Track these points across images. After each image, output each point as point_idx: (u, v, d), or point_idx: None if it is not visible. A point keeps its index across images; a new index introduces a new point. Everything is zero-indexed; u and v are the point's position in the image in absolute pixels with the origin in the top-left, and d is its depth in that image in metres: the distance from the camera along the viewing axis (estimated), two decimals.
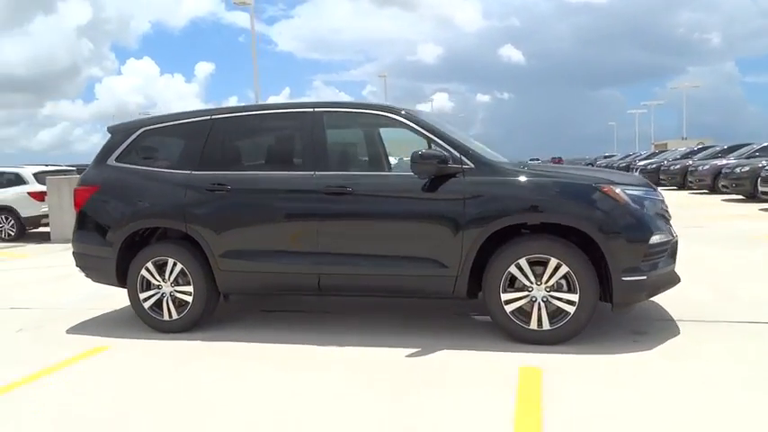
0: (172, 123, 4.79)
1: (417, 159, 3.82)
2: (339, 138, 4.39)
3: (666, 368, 3.38)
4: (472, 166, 3.96)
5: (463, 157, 3.98)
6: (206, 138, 4.56)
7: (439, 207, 3.95)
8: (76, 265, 4.91)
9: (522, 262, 3.81)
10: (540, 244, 3.83)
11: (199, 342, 4.29)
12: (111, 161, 4.80)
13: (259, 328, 4.56)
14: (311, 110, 4.38)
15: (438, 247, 3.94)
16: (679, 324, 4.20)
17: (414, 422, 2.84)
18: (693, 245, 6.97)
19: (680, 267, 4.08)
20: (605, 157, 45.83)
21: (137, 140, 4.80)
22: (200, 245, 4.40)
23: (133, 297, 4.61)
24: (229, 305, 5.07)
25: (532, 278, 3.81)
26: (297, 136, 4.40)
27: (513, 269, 3.83)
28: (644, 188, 4.02)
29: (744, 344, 3.77)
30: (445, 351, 3.82)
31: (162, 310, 4.54)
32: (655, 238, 3.77)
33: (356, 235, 4.17)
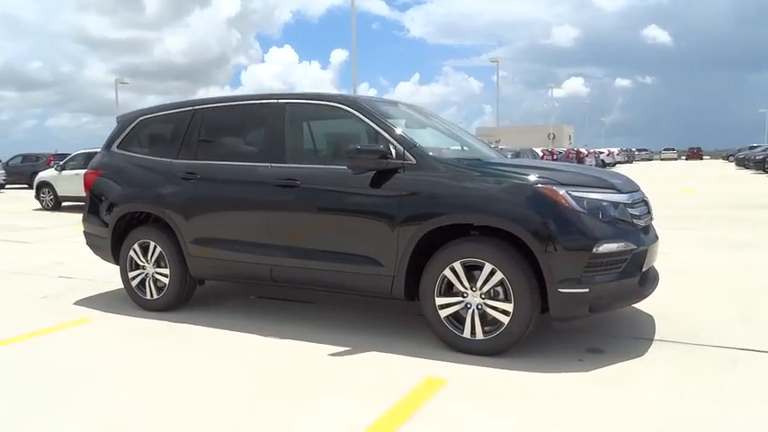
0: (163, 113, 5.04)
1: (352, 154, 3.72)
2: (297, 129, 4.36)
3: (583, 396, 3.02)
4: (414, 161, 3.77)
5: (406, 153, 3.80)
6: (187, 127, 4.76)
7: (377, 203, 3.82)
8: (86, 243, 5.37)
9: (457, 265, 3.58)
10: (474, 247, 3.57)
11: (165, 322, 4.52)
12: (114, 148, 5.17)
13: (234, 314, 4.69)
14: (275, 101, 4.41)
15: (375, 245, 3.82)
16: (652, 344, 3.74)
17: (251, 423, 2.80)
18: None
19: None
20: (750, 149, 41.09)
21: (135, 129, 5.13)
22: (174, 231, 4.63)
23: (123, 275, 4.97)
24: (235, 288, 5.30)
25: (467, 283, 3.58)
26: (261, 127, 4.45)
27: (447, 272, 3.61)
28: (600, 190, 3.58)
29: (707, 374, 3.28)
30: (367, 353, 3.71)
31: (145, 290, 4.85)
32: (604, 247, 3.37)
33: (302, 228, 4.15)
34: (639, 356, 3.54)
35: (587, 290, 3.34)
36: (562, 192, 3.41)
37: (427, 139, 4.50)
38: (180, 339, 4.13)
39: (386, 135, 3.90)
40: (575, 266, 3.33)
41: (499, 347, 3.53)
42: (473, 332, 3.58)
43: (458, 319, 3.63)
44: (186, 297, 4.83)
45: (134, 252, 4.88)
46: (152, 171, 4.82)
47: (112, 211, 4.96)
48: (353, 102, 4.13)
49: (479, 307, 3.55)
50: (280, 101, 4.39)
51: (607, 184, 3.64)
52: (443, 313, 3.65)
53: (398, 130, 3.93)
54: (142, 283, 4.87)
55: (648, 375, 3.26)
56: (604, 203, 3.50)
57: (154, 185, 4.77)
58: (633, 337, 3.90)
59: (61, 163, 15.59)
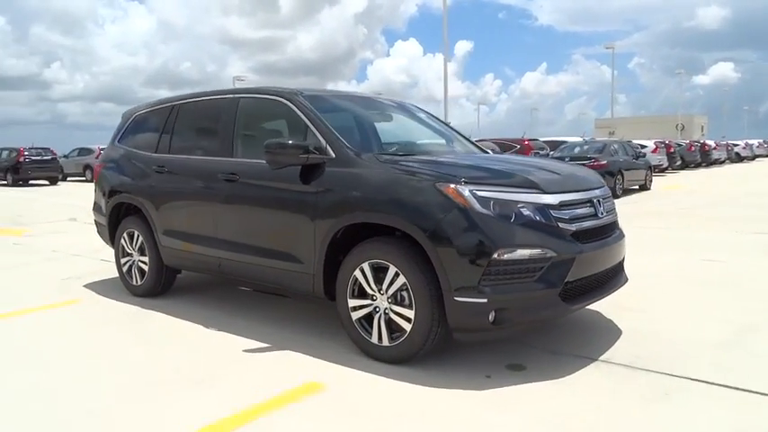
0: (152, 109, 5.28)
1: (268, 148, 3.64)
2: (244, 124, 4.34)
3: (453, 418, 2.73)
4: (333, 156, 3.62)
5: (328, 147, 3.66)
6: (165, 123, 4.96)
7: (299, 200, 3.71)
8: (97, 231, 5.79)
9: (366, 266, 3.39)
10: (379, 248, 3.35)
11: (139, 308, 4.75)
12: (115, 142, 5.52)
13: (208, 304, 4.81)
14: (231, 96, 4.45)
15: (296, 242, 3.73)
16: (588, 366, 3.30)
17: (113, 409, 2.84)
18: None
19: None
20: None
21: (131, 124, 5.43)
22: (148, 222, 4.86)
23: (117, 261, 5.31)
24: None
25: (374, 286, 3.38)
26: (218, 122, 4.50)
27: (358, 273, 3.43)
28: (517, 189, 3.19)
29: (619, 406, 2.82)
30: (276, 352, 3.64)
31: (132, 276, 5.14)
32: (510, 253, 3.01)
33: (241, 223, 4.15)
34: (558, 378, 3.14)
35: (485, 300, 3.01)
36: (465, 191, 3.09)
37: (388, 135, 4.32)
38: (133, 324, 4.32)
39: (313, 129, 3.78)
40: (471, 274, 3.01)
41: (402, 356, 3.30)
42: (380, 338, 3.38)
43: (369, 322, 3.45)
44: (165, 284, 5.04)
45: (124, 240, 5.18)
46: (137, 165, 5.07)
47: (108, 202, 5.30)
48: (290, 95, 4.04)
49: (386, 312, 3.34)
50: (235, 96, 4.42)
51: (527, 184, 3.24)
52: (355, 315, 3.48)
53: (326, 125, 3.78)
54: (130, 269, 5.16)
55: (548, 402, 2.87)
56: (519, 205, 3.12)
57: (137, 178, 5.02)
58: (574, 355, 3.47)
59: None
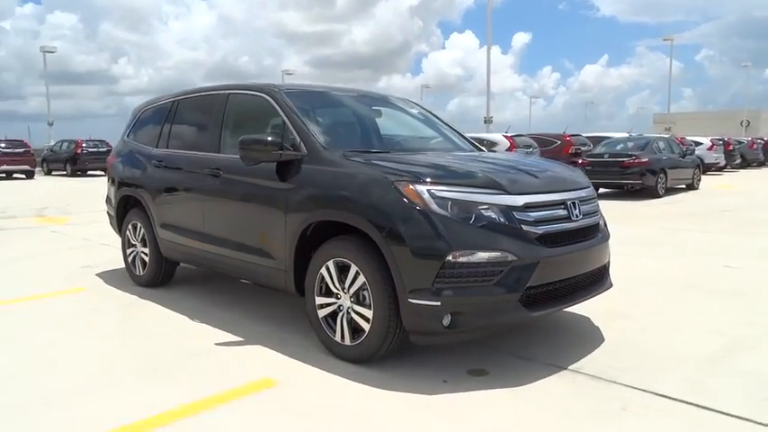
0: (156, 105, 5.40)
1: (242, 144, 3.66)
2: (231, 120, 4.38)
3: (394, 424, 2.69)
4: (305, 153, 3.61)
5: (302, 144, 3.65)
6: (165, 118, 5.07)
7: (272, 196, 3.72)
8: (109, 222, 6.00)
9: (331, 264, 3.37)
10: (342, 246, 3.33)
11: (135, 297, 4.90)
12: (125, 137, 5.69)
13: (200, 296, 4.92)
14: (222, 92, 4.51)
15: (271, 238, 3.75)
16: (554, 375, 3.17)
17: (56, 399, 2.91)
18: None
19: None
20: None
21: (138, 119, 5.59)
22: (148, 215, 4.99)
23: (123, 252, 5.49)
24: None
25: (338, 284, 3.36)
26: (208, 118, 4.56)
27: (323, 271, 3.42)
28: (479, 189, 3.09)
29: (568, 420, 2.70)
30: (245, 346, 3.67)
31: (136, 266, 5.31)
32: (465, 256, 2.93)
33: (223, 218, 4.21)
34: (517, 386, 3.03)
35: (439, 303, 2.93)
36: (423, 190, 3.02)
37: (372, 132, 4.28)
38: (123, 314, 4.45)
39: (289, 125, 3.78)
40: (425, 275, 2.94)
41: (362, 356, 3.27)
42: (343, 337, 3.36)
43: (334, 321, 3.43)
44: (165, 275, 5.17)
45: (129, 231, 5.35)
46: (140, 159, 5.21)
47: (116, 194, 5.49)
48: (271, 91, 4.05)
49: (348, 311, 3.32)
50: (224, 92, 4.48)
51: (490, 184, 3.13)
52: (321, 313, 3.47)
53: (301, 122, 3.77)
54: (134, 259, 5.33)
55: (497, 411, 2.78)
56: (480, 206, 3.03)
57: (139, 172, 5.16)
58: (544, 363, 3.34)
59: None
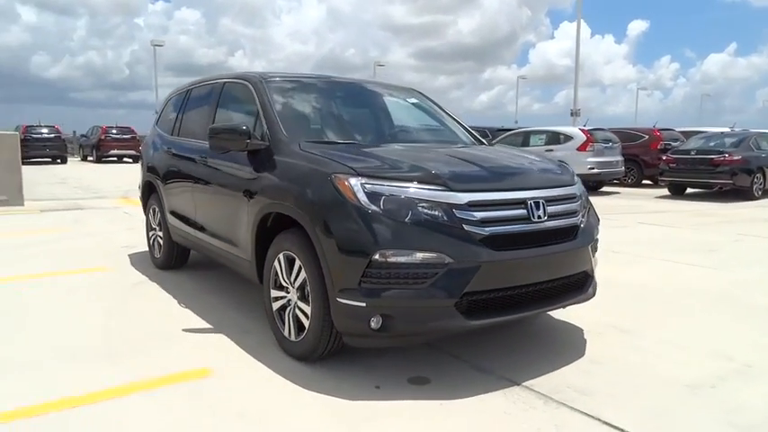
0: (177, 94, 5.56)
1: (211, 133, 3.65)
2: (223, 108, 4.37)
3: (295, 426, 2.57)
4: (267, 144, 3.54)
5: (268, 133, 3.59)
6: (180, 106, 5.21)
7: (240, 185, 3.69)
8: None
9: (282, 257, 3.29)
10: (289, 239, 3.22)
11: (144, 278, 5.10)
12: (154, 125, 5.93)
13: (201, 281, 5.05)
14: (219, 81, 4.55)
15: (238, 226, 3.73)
16: (497, 391, 2.90)
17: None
18: None
19: None
20: None
21: (164, 108, 5.79)
22: (161, 199, 5.18)
23: (146, 235, 5.75)
24: None
25: (287, 278, 3.27)
26: (206, 106, 4.62)
27: (276, 264, 3.35)
28: (418, 185, 2.86)
29: None
30: (211, 334, 3.68)
31: (154, 249, 5.54)
32: (394, 256, 2.73)
33: (206, 205, 4.26)
34: (450, 399, 2.79)
35: (364, 304, 2.76)
36: (355, 183, 2.85)
37: (354, 123, 4.14)
38: (122, 294, 4.61)
39: (261, 115, 3.74)
40: (352, 274, 2.77)
41: (304, 353, 3.17)
42: (290, 332, 3.27)
43: (285, 315, 3.35)
44: (178, 259, 5.33)
45: (150, 216, 5.59)
46: (159, 146, 5.40)
47: (142, 179, 5.75)
48: (254, 79, 4.00)
49: (295, 306, 3.22)
50: (221, 81, 4.51)
51: (429, 179, 2.89)
52: (274, 306, 3.40)
53: (272, 111, 3.70)
54: (153, 242, 5.55)
55: (406, 423, 2.58)
56: (417, 202, 2.81)
57: (157, 159, 5.35)
58: (498, 376, 3.07)
59: None
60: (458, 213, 2.81)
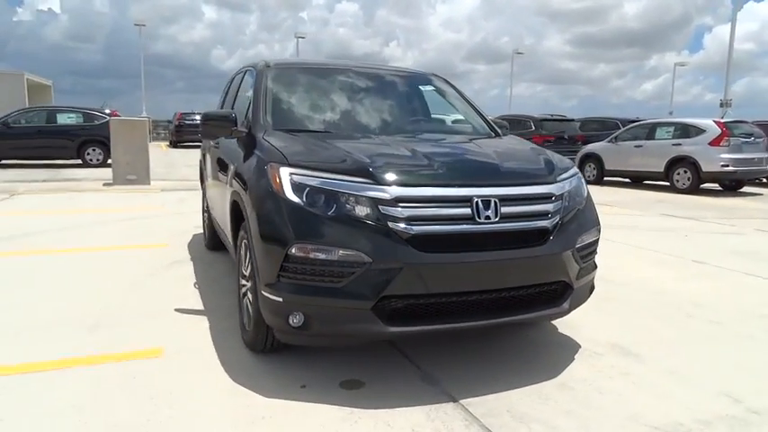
0: (226, 84, 5.77)
1: (202, 120, 3.73)
2: (241, 96, 4.42)
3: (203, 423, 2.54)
4: (247, 131, 3.53)
5: (250, 121, 3.59)
6: (222, 95, 5.42)
7: (225, 172, 3.75)
8: None
9: (243, 246, 3.27)
10: (244, 228, 3.18)
11: (188, 257, 5.40)
12: None
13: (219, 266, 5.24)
14: (245, 69, 4.63)
15: (224, 214, 3.80)
16: (429, 406, 2.65)
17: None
18: None
19: None
20: None
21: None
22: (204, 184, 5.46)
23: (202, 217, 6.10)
24: None
25: (246, 266, 3.25)
26: (232, 93, 4.73)
27: (240, 252, 3.35)
28: (341, 177, 2.65)
29: None
30: (188, 316, 3.78)
31: (205, 230, 5.85)
32: (311, 251, 2.57)
33: (212, 190, 4.39)
34: (365, 409, 2.58)
35: (281, 299, 2.65)
36: (284, 174, 2.73)
37: (354, 113, 4.00)
38: (158, 270, 4.91)
39: (252, 102, 3.75)
40: (272, 267, 2.67)
41: (250, 344, 3.15)
42: (243, 321, 3.27)
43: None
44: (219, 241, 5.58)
45: (203, 200, 5.91)
46: None
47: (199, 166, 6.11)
48: (259, 67, 4.02)
49: (247, 295, 3.20)
50: (245, 68, 4.60)
51: (358, 171, 2.67)
52: (242, 291, 3.41)
53: (260, 99, 3.68)
54: (204, 224, 5.87)
55: (290, 427, 2.44)
56: (340, 195, 2.62)
57: (204, 146, 5.63)
58: (440, 389, 2.79)
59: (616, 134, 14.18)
60: (383, 209, 2.59)
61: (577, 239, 2.94)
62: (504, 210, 2.72)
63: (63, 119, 15.60)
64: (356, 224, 2.59)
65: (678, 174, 12.21)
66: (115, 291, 4.31)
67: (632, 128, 13.96)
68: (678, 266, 5.49)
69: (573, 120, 18.21)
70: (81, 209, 8.34)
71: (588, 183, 13.99)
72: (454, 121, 4.20)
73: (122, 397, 2.67)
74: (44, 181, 11.99)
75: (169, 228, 6.86)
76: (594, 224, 3.14)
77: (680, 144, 12.19)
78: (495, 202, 2.70)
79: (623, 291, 4.57)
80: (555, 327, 3.67)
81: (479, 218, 2.66)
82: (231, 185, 3.49)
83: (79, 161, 15.30)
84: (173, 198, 9.62)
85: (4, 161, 15.11)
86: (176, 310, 3.90)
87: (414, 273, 2.56)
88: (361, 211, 2.60)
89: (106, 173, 12.20)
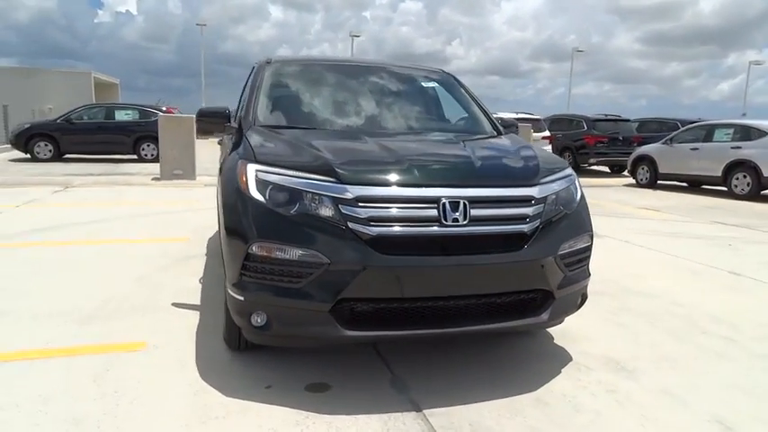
0: None
1: (197, 116, 3.75)
2: (245, 92, 4.42)
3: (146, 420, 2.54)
4: (238, 126, 3.53)
5: (240, 116, 3.60)
6: (243, 88, 5.47)
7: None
8: None
9: None
10: None
11: (203, 252, 5.50)
12: None
13: None
14: (258, 64, 4.64)
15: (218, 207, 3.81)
16: (387, 415, 2.56)
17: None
18: None
19: None
20: None
21: None
22: None
23: None
24: None
25: None
26: (243, 91, 4.75)
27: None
28: (303, 175, 2.59)
29: None
30: (180, 311, 3.82)
31: None
32: (270, 250, 2.52)
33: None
34: (320, 414, 2.52)
35: (243, 298, 2.62)
36: (250, 170, 2.69)
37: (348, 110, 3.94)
38: (173, 263, 5.02)
39: (246, 98, 3.76)
40: (235, 265, 2.64)
41: (227, 343, 3.14)
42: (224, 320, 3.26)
43: None
44: None
45: None
46: None
47: None
48: (263, 63, 4.05)
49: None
50: (258, 63, 4.61)
51: (320, 169, 2.60)
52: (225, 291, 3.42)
53: (254, 95, 3.68)
54: None
55: (242, 428, 2.39)
56: (304, 194, 2.55)
57: None
58: (406, 396, 2.69)
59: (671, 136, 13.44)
60: (343, 209, 2.51)
61: (561, 246, 2.77)
62: (475, 212, 2.59)
63: (121, 115, 16.30)
64: (316, 224, 2.52)
65: (737, 179, 11.48)
66: (122, 284, 4.40)
67: (689, 129, 13.23)
68: (710, 278, 5.13)
69: (629, 120, 17.44)
70: (124, 202, 8.68)
71: (641, 186, 13.51)
72: (452, 120, 4.05)
73: (90, 389, 2.70)
74: (99, 175, 12.55)
75: (197, 222, 7.00)
76: (585, 230, 2.95)
77: (739, 147, 11.45)
78: (464, 203, 2.57)
79: (640, 301, 4.31)
80: (550, 336, 3.49)
81: (446, 220, 2.54)
82: (218, 182, 3.51)
83: (135, 156, 15.95)
84: (212, 193, 9.84)
85: (67, 155, 15.92)
86: (173, 304, 3.95)
87: (373, 276, 2.47)
88: (322, 210, 2.53)
89: (158, 168, 12.66)
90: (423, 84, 4.29)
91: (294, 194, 2.58)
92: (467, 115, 4.06)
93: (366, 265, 2.45)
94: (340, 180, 2.56)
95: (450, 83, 4.31)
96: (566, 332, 3.55)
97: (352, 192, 2.52)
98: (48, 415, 2.46)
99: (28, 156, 15.50)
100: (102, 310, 3.80)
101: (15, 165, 14.25)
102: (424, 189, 2.59)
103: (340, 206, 2.51)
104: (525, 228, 2.68)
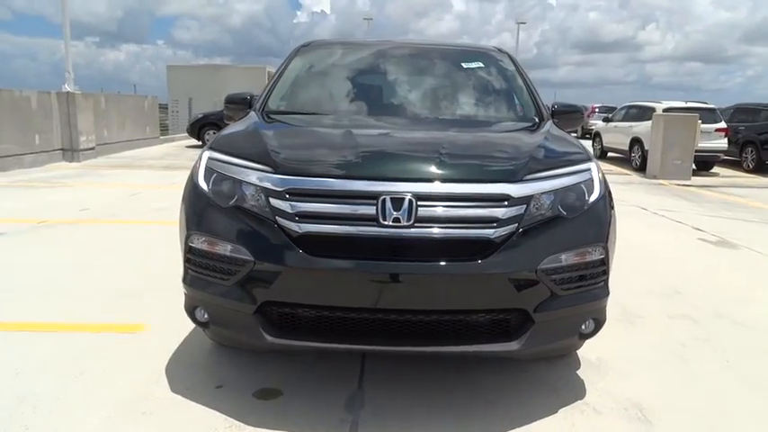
0: None
1: (224, 102, 3.70)
2: None
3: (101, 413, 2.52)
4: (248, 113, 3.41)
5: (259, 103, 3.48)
6: None
7: None
8: None
9: None
10: None
11: None
12: None
13: None
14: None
15: None
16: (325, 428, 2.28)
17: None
18: None
19: None
20: None
21: None
22: None
23: None
24: None
25: None
26: None
27: None
28: (243, 163, 2.37)
29: None
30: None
31: None
32: (203, 244, 2.34)
33: None
34: (248, 425, 2.31)
35: (186, 292, 2.47)
36: (204, 158, 2.53)
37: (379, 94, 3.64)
38: None
39: (269, 83, 3.63)
40: (183, 256, 2.51)
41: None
42: None
43: None
44: None
45: None
46: None
47: None
48: (301, 45, 3.90)
49: None
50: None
51: (263, 159, 2.34)
52: None
53: (277, 78, 3.55)
54: None
55: (162, 427, 2.26)
56: (241, 184, 2.33)
57: None
58: (346, 420, 2.37)
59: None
60: (273, 202, 2.24)
61: (548, 257, 2.21)
62: (425, 212, 2.16)
63: None
64: (247, 218, 2.29)
65: None
66: (148, 265, 4.47)
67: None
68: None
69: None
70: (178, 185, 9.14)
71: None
72: (484, 106, 3.49)
73: (62, 368, 2.75)
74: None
75: None
76: (592, 240, 2.33)
77: None
78: (410, 200, 2.15)
79: (732, 331, 3.42)
80: (575, 364, 2.89)
81: (385, 219, 2.15)
82: None
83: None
84: None
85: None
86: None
87: (298, 278, 2.18)
88: (255, 202, 2.29)
89: None
90: (468, 64, 3.79)
91: (233, 184, 2.37)
92: (504, 101, 3.51)
93: (290, 266, 2.17)
94: (276, 170, 2.30)
95: (498, 65, 3.75)
96: (601, 360, 2.93)
97: (283, 183, 2.25)
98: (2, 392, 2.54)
99: (200, 143, 17.26)
100: (112, 290, 3.87)
101: (190, 150, 15.86)
102: (361, 182, 2.21)
103: (270, 199, 2.25)
104: (491, 233, 2.17)
